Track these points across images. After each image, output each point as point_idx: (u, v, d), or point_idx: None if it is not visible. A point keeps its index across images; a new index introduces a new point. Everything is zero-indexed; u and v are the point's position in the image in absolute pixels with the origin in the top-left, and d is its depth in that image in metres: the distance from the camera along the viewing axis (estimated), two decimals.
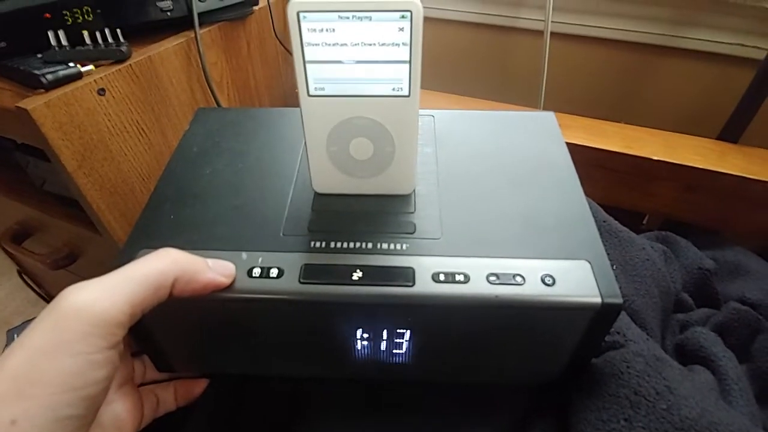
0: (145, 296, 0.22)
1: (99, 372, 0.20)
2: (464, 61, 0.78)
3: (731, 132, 0.56)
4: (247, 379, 0.33)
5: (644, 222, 0.60)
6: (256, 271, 0.26)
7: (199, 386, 0.31)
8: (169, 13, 0.47)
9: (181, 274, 0.23)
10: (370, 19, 0.25)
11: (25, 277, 0.84)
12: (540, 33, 0.65)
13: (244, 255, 0.27)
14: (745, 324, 0.38)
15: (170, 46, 0.46)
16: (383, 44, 0.26)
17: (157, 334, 0.28)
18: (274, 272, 0.26)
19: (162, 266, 0.23)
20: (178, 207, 0.30)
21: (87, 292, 0.21)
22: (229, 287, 0.25)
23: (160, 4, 0.46)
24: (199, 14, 0.48)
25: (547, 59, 0.66)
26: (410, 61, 0.26)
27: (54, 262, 0.57)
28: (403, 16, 0.25)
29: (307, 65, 0.26)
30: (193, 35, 0.48)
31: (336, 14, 0.25)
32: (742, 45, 0.59)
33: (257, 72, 0.60)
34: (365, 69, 0.26)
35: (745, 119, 0.54)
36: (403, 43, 0.25)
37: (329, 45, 0.26)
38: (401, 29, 0.25)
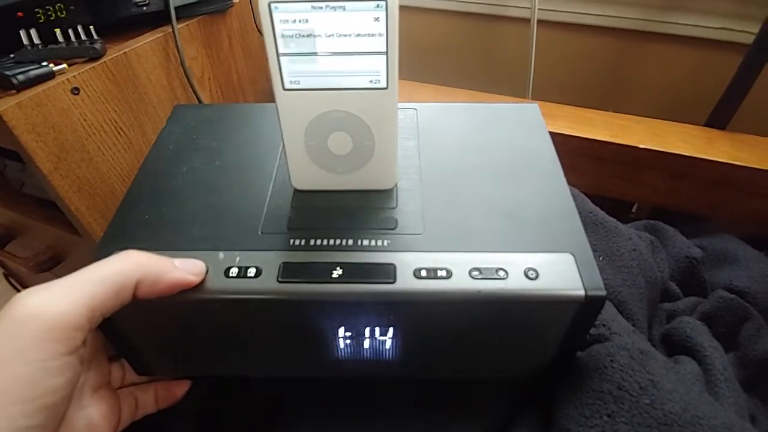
0: (104, 298, 0.21)
1: (56, 379, 0.20)
2: (450, 51, 0.77)
3: (719, 118, 0.55)
4: (228, 381, 0.33)
5: (633, 211, 0.60)
6: (234, 271, 0.26)
7: (181, 388, 0.31)
8: (144, 8, 0.46)
9: (145, 275, 0.23)
10: (344, 9, 0.24)
11: (12, 281, 0.83)
12: (527, 21, 0.64)
13: (221, 254, 0.26)
14: (732, 312, 0.38)
15: (147, 41, 0.45)
16: (359, 35, 0.25)
17: (134, 338, 0.28)
18: (251, 271, 0.26)
19: (123, 267, 0.22)
20: (154, 206, 0.30)
21: (42, 295, 0.20)
22: (206, 288, 0.25)
23: None
24: (177, 8, 0.47)
25: (534, 48, 0.65)
26: (387, 52, 0.25)
27: (37, 265, 0.56)
28: (378, 6, 0.24)
29: (281, 58, 0.26)
30: (170, 30, 0.47)
31: (309, 4, 0.24)
32: (730, 29, 0.58)
33: (240, 66, 0.59)
34: (341, 61, 0.26)
35: (732, 105, 0.54)
36: (379, 34, 0.25)
37: (303, 36, 0.25)
38: (377, 19, 0.24)
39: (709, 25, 0.59)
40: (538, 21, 0.64)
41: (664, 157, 0.51)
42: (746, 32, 0.57)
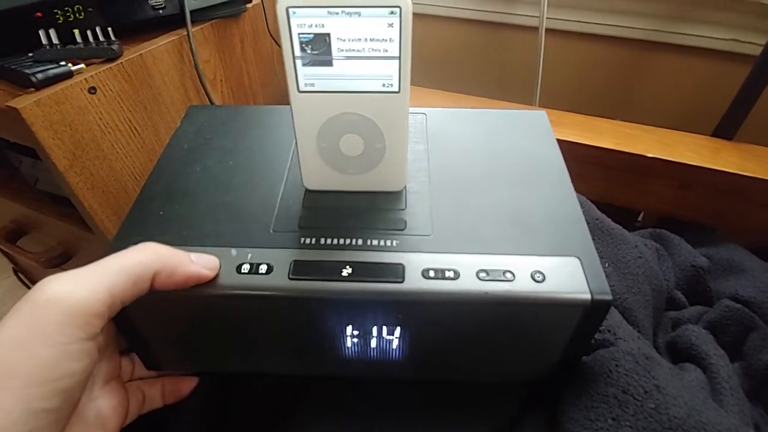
0: (124, 287, 0.22)
1: (75, 364, 0.20)
2: (459, 58, 0.78)
3: (726, 128, 0.55)
4: (236, 377, 0.33)
5: (639, 219, 0.60)
6: (245, 267, 0.26)
7: (188, 384, 0.31)
8: (161, 11, 0.47)
9: (162, 267, 0.23)
10: (360, 15, 0.25)
11: (21, 276, 0.84)
12: (535, 29, 0.65)
13: (233, 251, 0.27)
14: (737, 322, 0.38)
15: (162, 44, 0.46)
16: (373, 40, 0.26)
17: (145, 332, 0.28)
18: (263, 268, 0.26)
19: (142, 258, 0.23)
20: (168, 203, 0.30)
21: (64, 282, 0.21)
22: (218, 283, 0.25)
23: (152, 2, 0.46)
24: (192, 12, 0.48)
25: (542, 56, 0.66)
26: (400, 57, 0.26)
27: (48, 260, 0.57)
28: (392, 12, 0.25)
29: (297, 61, 0.26)
30: (185, 33, 0.48)
31: (325, 10, 0.25)
32: (738, 41, 0.59)
33: (251, 70, 0.60)
34: (355, 65, 0.26)
35: (740, 116, 0.54)
36: (392, 39, 0.25)
37: (319, 41, 0.26)
38: (390, 25, 0.25)
39: (717, 37, 0.59)
40: (546, 30, 0.64)
41: (672, 167, 0.51)
42: (754, 44, 0.57)
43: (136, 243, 0.25)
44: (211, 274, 0.25)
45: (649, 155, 0.51)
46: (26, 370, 0.19)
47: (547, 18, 0.63)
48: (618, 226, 0.40)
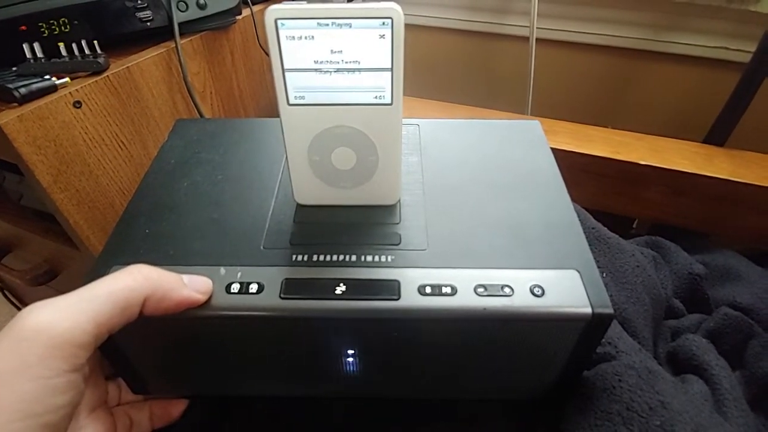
0: (111, 315, 0.21)
1: (60, 397, 0.19)
2: (451, 68, 0.78)
3: (717, 135, 0.56)
4: (228, 400, 0.32)
5: (634, 227, 0.60)
6: (235, 287, 0.25)
7: (177, 407, 0.30)
8: (148, 23, 0.46)
9: (153, 292, 0.22)
10: (350, 27, 0.24)
11: (7, 293, 0.82)
12: (525, 39, 0.65)
13: (222, 270, 0.26)
14: (737, 329, 0.38)
15: (150, 56, 0.45)
16: (364, 51, 0.25)
17: (131, 355, 0.27)
18: (253, 287, 0.25)
19: (131, 283, 0.22)
20: (154, 221, 0.29)
21: (48, 311, 0.20)
22: (206, 304, 0.24)
23: (140, 15, 0.45)
24: (181, 24, 0.47)
25: (533, 65, 0.66)
26: (392, 69, 0.25)
27: (33, 278, 0.55)
28: (383, 23, 0.24)
29: (287, 73, 0.26)
30: (174, 45, 0.47)
31: (315, 21, 0.24)
32: (726, 48, 0.59)
33: (242, 82, 0.59)
34: (346, 77, 0.26)
35: (731, 122, 0.54)
36: (384, 51, 0.25)
37: (308, 53, 0.25)
38: (382, 36, 0.25)
39: (706, 45, 0.60)
40: (537, 39, 0.64)
41: (665, 174, 0.51)
42: (742, 51, 0.58)
43: (121, 263, 0.24)
44: (203, 298, 0.24)
45: (642, 163, 0.51)
46: (8, 405, 0.18)
47: (537, 28, 0.63)
48: (615, 235, 0.40)
